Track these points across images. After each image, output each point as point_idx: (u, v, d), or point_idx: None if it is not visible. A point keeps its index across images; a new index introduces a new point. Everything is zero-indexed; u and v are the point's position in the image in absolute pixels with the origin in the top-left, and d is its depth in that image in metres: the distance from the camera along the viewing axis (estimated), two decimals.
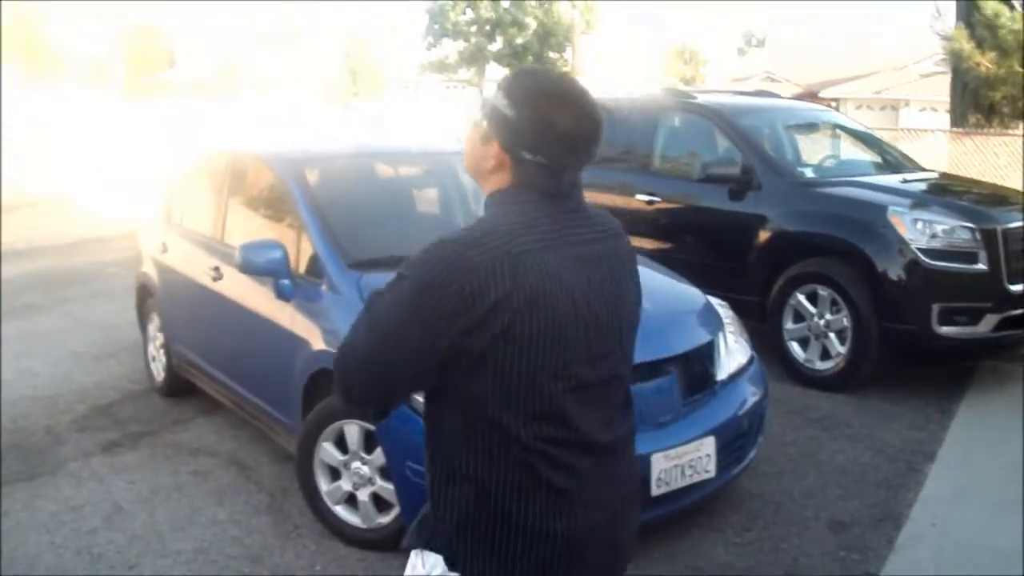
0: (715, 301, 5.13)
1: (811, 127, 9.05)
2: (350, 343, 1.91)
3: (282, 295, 4.68)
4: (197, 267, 5.77)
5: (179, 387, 6.49)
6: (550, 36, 28.56)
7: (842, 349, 6.69)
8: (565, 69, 29.69)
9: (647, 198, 8.02)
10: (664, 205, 8.01)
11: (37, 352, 7.73)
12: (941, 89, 37.56)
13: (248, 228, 5.45)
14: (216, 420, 6.14)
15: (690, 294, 5.08)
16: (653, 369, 4.17)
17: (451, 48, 30.88)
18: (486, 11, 27.62)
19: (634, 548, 2.15)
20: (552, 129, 1.84)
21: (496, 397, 1.81)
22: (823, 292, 6.80)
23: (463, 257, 1.78)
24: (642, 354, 4.15)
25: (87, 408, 6.43)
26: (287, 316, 4.70)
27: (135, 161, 17.65)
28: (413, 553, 2.00)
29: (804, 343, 6.92)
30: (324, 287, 4.58)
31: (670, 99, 8.59)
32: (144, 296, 6.91)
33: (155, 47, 47.55)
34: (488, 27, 28.21)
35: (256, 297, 4.98)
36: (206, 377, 5.90)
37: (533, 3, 28.00)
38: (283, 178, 5.11)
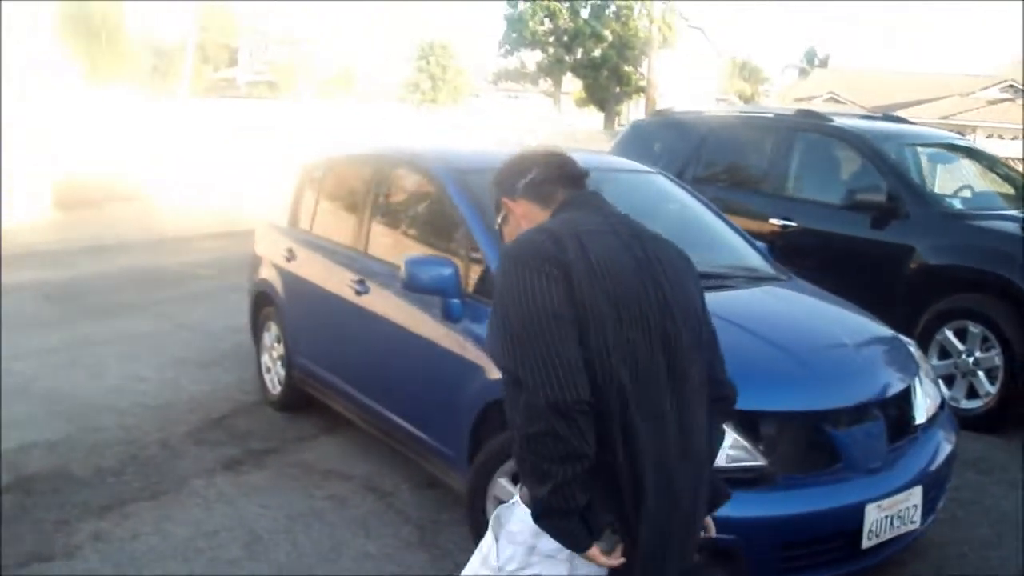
0: (904, 339, 4.72)
1: (949, 155, 8.58)
2: (501, 340, 2.02)
3: (450, 316, 4.31)
4: (335, 278, 5.42)
5: (296, 401, 6.16)
6: (627, 49, 28.20)
7: (991, 388, 6.32)
8: (641, 83, 29.31)
9: (782, 222, 7.59)
10: (800, 230, 7.58)
11: (142, 356, 7.44)
12: (1009, 115, 36.84)
13: (400, 241, 5.11)
14: (340, 439, 5.79)
15: (883, 333, 4.67)
16: (861, 412, 3.85)
17: (528, 57, 30.68)
18: (565, 22, 27.33)
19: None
20: (526, 160, 2.38)
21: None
22: (974, 329, 6.40)
23: (539, 239, 2.08)
24: (849, 396, 3.76)
25: (200, 420, 6.10)
26: (454, 339, 4.33)
27: (207, 160, 17.47)
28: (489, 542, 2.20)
29: (949, 381, 6.48)
30: None
31: (805, 121, 8.14)
32: (261, 304, 6.57)
33: (218, 44, 47.65)
34: (566, 38, 27.90)
35: (413, 316, 4.61)
36: (337, 395, 5.55)
37: (611, 15, 27.69)
38: (447, 188, 4.73)
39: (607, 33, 27.21)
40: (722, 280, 4.75)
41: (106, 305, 9.13)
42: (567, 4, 27.74)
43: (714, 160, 8.49)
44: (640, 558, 2.00)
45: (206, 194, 16.16)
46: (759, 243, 5.55)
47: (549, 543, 2.04)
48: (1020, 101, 39.82)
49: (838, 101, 49.40)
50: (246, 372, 7.04)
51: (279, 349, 6.25)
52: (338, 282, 5.36)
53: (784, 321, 4.52)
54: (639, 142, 9.10)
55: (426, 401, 4.60)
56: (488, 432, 4.12)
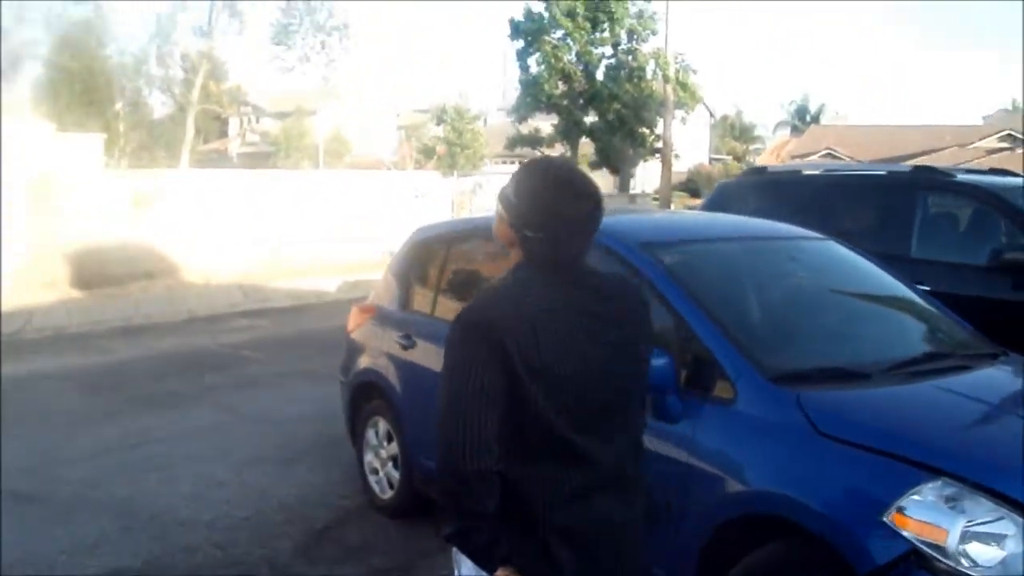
0: None
1: None
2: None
3: (667, 415, 3.53)
4: None
5: (414, 507, 5.35)
6: (642, 110, 27.83)
7: None
8: (656, 144, 28.88)
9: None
10: (932, 294, 6.86)
11: (209, 454, 6.61)
12: (1010, 165, 36.66)
13: None
14: None
15: None
16: None
17: (543, 122, 30.30)
18: (580, 84, 26.95)
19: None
20: (549, 212, 2.15)
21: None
22: None
23: (485, 317, 2.11)
24: None
25: (303, 532, 5.28)
26: (673, 443, 3.55)
27: (225, 231, 16.65)
28: None
29: None
30: (739, 407, 3.43)
31: (925, 177, 7.47)
32: (364, 397, 5.76)
33: (208, 115, 47.19)
34: (582, 101, 27.50)
35: None
36: None
37: (624, 76, 27.29)
38: (636, 264, 3.98)
39: (623, 94, 26.84)
40: (956, 361, 4.08)
41: (154, 394, 8.30)
42: (582, 67, 27.36)
43: (823, 222, 7.78)
44: None
45: (231, 267, 15.42)
46: (953, 313, 4.81)
47: None
48: (1020, 151, 39.66)
49: (836, 156, 49.19)
50: (334, 472, 6.25)
51: (390, 448, 5.45)
52: None
53: None
54: (728, 204, 8.36)
55: None
56: (726, 556, 3.36)
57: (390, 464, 5.48)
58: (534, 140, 28.90)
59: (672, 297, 3.79)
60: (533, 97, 27.51)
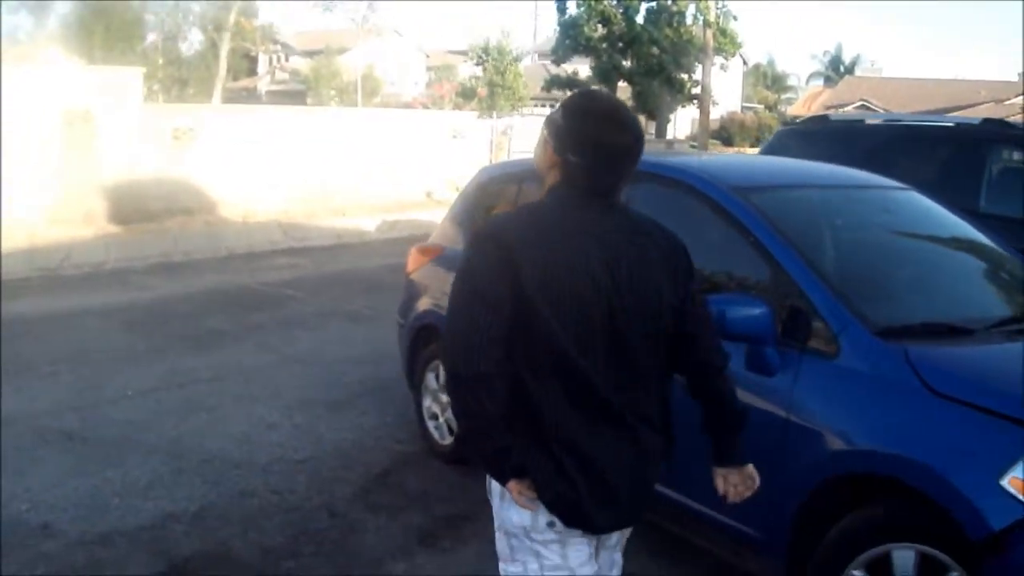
0: None
1: None
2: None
3: (764, 367, 3.36)
4: None
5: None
6: (681, 56, 27.28)
7: None
8: (694, 91, 28.36)
9: None
10: None
11: (259, 395, 6.50)
12: None
13: None
14: None
15: None
16: None
17: (580, 65, 29.80)
18: (620, 27, 26.38)
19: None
20: (592, 139, 2.22)
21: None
22: None
23: (500, 230, 2.21)
24: None
25: (361, 477, 5.16)
26: (770, 396, 3.37)
27: (254, 171, 16.45)
28: None
29: None
30: (841, 361, 3.25)
31: (996, 130, 7.18)
32: (424, 340, 5.60)
33: (237, 53, 46.88)
34: (621, 44, 26.93)
35: None
36: None
37: (664, 20, 26.70)
38: (728, 207, 3.78)
39: (662, 39, 26.28)
40: None
41: (198, 334, 8.19)
42: (621, 9, 26.76)
43: (886, 173, 7.54)
44: (578, 500, 2.20)
45: (269, 205, 15.27)
46: None
47: (541, 534, 2.27)
48: None
49: (870, 108, 48.36)
50: (387, 415, 6.12)
51: None
52: None
53: None
54: (788, 152, 8.10)
55: None
56: (822, 515, 3.21)
57: (450, 410, 5.34)
58: (571, 83, 28.38)
59: (769, 243, 3.60)
60: (572, 39, 26.97)
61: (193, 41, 42.70)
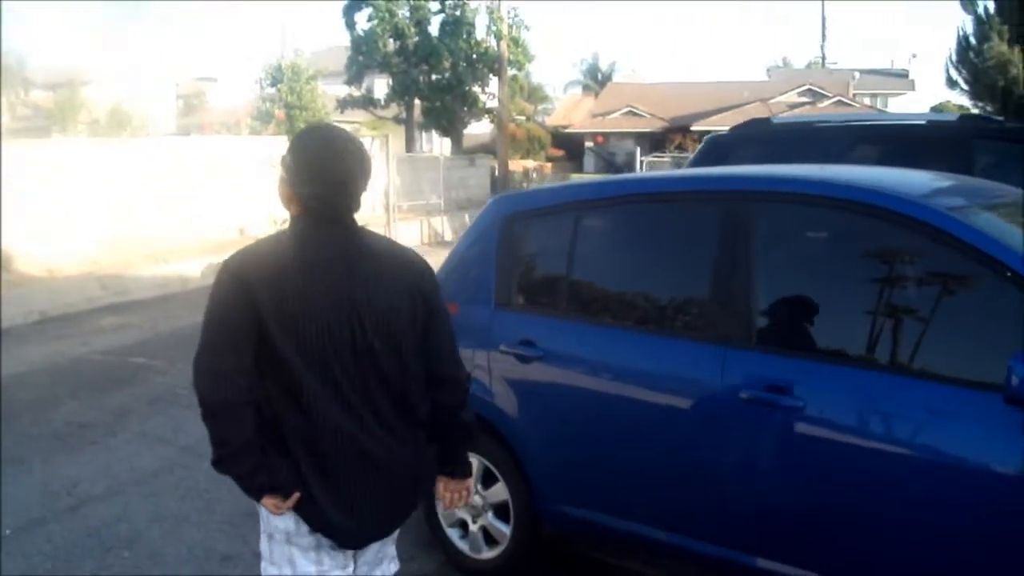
0: None
1: None
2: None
3: None
4: (686, 387, 3.43)
5: (531, 568, 4.11)
6: (476, 68, 26.53)
7: None
8: (491, 104, 27.69)
9: None
10: None
11: (187, 513, 5.04)
12: None
13: (820, 322, 3.21)
14: None
15: None
16: None
17: (377, 82, 28.52)
18: (412, 42, 25.34)
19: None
20: (316, 169, 2.35)
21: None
22: None
23: (240, 264, 2.33)
24: None
25: None
26: None
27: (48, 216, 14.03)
28: None
29: None
30: None
31: (976, 126, 6.67)
32: None
33: None
34: (415, 59, 25.83)
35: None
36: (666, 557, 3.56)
37: (456, 32, 25.88)
38: (927, 219, 2.91)
39: (457, 51, 25.44)
40: None
41: (57, 430, 6.44)
42: (415, 22, 25.74)
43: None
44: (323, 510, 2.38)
45: (75, 255, 13.05)
46: None
47: (304, 538, 2.44)
48: (820, 104, 41.07)
49: (637, 114, 49.54)
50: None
51: (493, 493, 4.12)
52: (678, 396, 3.39)
53: None
54: (725, 161, 7.29)
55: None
56: None
57: (490, 514, 4.15)
58: (367, 102, 27.12)
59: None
60: (367, 56, 25.68)
61: None
